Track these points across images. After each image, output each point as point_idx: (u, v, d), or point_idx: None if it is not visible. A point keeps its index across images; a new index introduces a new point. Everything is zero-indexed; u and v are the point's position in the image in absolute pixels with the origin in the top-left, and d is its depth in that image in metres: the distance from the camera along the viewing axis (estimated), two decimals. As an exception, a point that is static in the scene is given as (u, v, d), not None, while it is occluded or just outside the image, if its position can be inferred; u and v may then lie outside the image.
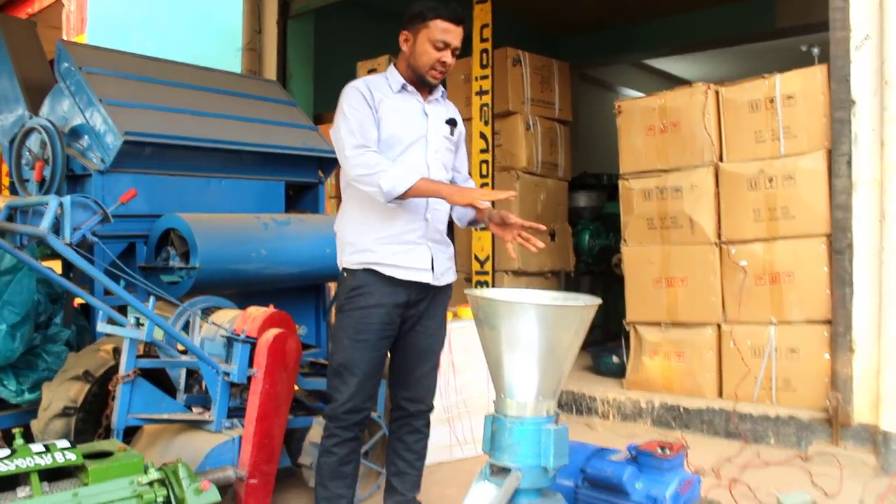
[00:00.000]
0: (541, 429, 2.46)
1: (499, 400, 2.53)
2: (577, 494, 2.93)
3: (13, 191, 4.20)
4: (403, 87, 2.98)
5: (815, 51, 4.57)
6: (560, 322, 2.45)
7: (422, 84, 2.98)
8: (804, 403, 4.38)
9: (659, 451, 2.85)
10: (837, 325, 4.18)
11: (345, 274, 2.97)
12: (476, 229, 3.17)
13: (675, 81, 10.49)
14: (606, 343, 6.48)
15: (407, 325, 3.00)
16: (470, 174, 3.30)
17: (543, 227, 2.94)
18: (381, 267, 2.87)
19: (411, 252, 2.90)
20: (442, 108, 3.08)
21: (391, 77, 3.00)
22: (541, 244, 2.85)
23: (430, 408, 3.13)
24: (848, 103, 4.12)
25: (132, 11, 8.99)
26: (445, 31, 2.88)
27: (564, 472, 2.91)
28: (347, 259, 2.95)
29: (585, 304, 2.50)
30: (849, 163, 4.12)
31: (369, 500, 3.57)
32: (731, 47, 8.18)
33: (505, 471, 2.45)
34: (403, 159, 2.90)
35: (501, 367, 2.50)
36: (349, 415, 2.92)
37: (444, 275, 3.01)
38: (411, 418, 3.09)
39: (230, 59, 7.46)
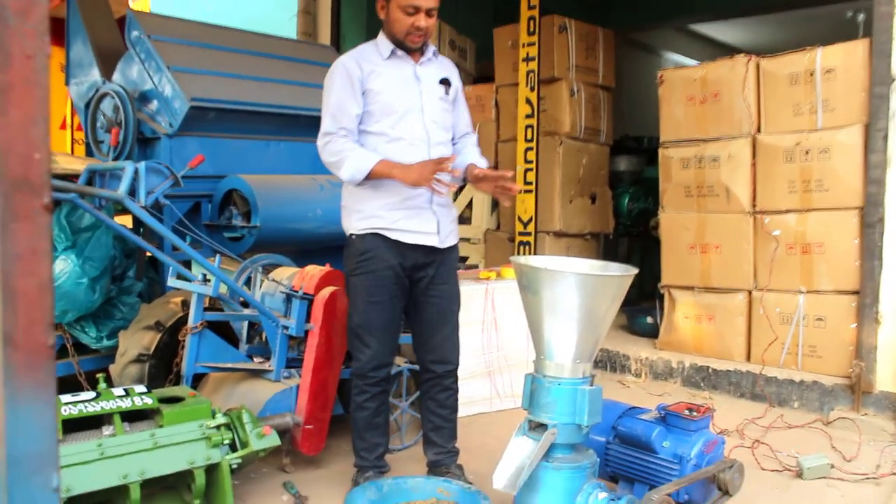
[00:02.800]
0: (577, 389, 2.60)
1: (538, 361, 2.67)
2: (609, 450, 3.05)
3: (89, 151, 4.48)
4: (393, 53, 2.98)
5: (861, 17, 4.57)
6: (598, 290, 2.58)
7: (404, 48, 2.98)
8: (828, 370, 4.50)
9: (686, 412, 2.94)
10: (865, 296, 4.28)
11: (353, 238, 3.04)
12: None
13: (718, 47, 10.45)
14: (641, 303, 6.55)
15: (419, 287, 3.08)
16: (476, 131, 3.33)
17: (509, 173, 2.95)
18: (389, 232, 2.96)
19: (417, 216, 2.97)
20: (435, 67, 3.08)
21: (381, 44, 3.01)
22: (517, 187, 2.94)
23: (457, 365, 3.21)
24: (888, 79, 4.15)
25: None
26: None
27: (597, 429, 3.04)
28: (356, 225, 3.03)
29: (622, 274, 2.66)
30: (885, 138, 4.16)
31: (415, 447, 3.72)
32: (776, 13, 8.10)
33: (542, 427, 2.60)
34: (401, 128, 2.94)
35: (542, 330, 2.64)
36: (375, 371, 3.06)
37: (449, 237, 3.08)
38: (441, 378, 3.18)
39: (287, 21, 7.62)
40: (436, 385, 3.19)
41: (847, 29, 4.58)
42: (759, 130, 4.82)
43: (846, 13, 5.44)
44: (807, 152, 4.56)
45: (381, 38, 3.03)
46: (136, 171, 3.28)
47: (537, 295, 2.62)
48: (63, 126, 10.10)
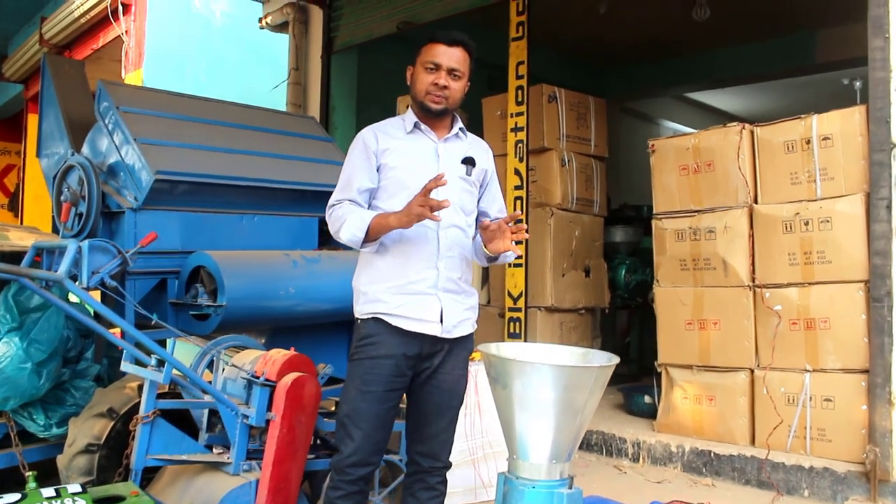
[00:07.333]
0: (553, 493, 2.44)
1: (511, 460, 2.51)
2: (595, 552, 2.88)
3: (55, 226, 4.30)
4: (416, 126, 2.88)
5: (858, 84, 4.48)
6: (576, 383, 2.41)
7: (428, 115, 2.86)
8: (840, 455, 4.24)
9: (678, 512, 2.79)
10: (875, 375, 4.05)
11: (358, 322, 2.87)
12: (500, 263, 3.04)
13: (716, 114, 10.47)
14: (641, 378, 6.36)
15: (421, 377, 2.85)
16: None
17: (519, 214, 2.80)
18: (389, 317, 2.77)
19: (420, 302, 2.77)
20: (461, 145, 2.95)
21: (407, 118, 2.92)
22: (524, 229, 2.75)
23: (447, 465, 2.96)
24: (888, 145, 4.02)
25: (186, 46, 9.31)
26: (435, 52, 2.81)
27: (584, 530, 2.85)
28: (360, 308, 2.87)
29: (602, 365, 2.46)
30: (888, 207, 4.01)
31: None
32: (772, 81, 8.08)
33: (516, 534, 2.40)
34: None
35: (514, 427, 2.48)
36: (354, 468, 2.79)
37: (458, 327, 2.83)
38: (425, 474, 2.93)
39: (278, 90, 7.64)
40: (419, 481, 2.92)
41: (844, 96, 4.47)
42: (755, 200, 4.68)
43: (842, 80, 5.38)
44: (807, 223, 4.39)
45: (409, 112, 2.94)
46: (78, 250, 3.07)
47: (507, 388, 2.48)
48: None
